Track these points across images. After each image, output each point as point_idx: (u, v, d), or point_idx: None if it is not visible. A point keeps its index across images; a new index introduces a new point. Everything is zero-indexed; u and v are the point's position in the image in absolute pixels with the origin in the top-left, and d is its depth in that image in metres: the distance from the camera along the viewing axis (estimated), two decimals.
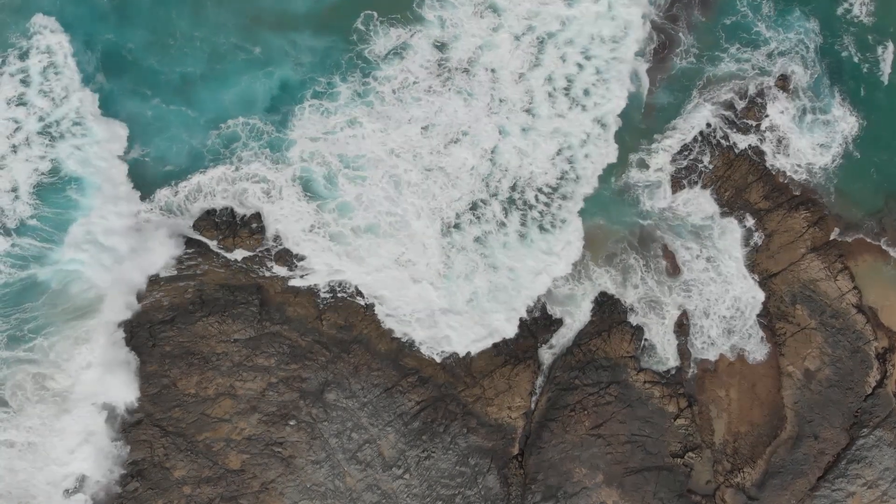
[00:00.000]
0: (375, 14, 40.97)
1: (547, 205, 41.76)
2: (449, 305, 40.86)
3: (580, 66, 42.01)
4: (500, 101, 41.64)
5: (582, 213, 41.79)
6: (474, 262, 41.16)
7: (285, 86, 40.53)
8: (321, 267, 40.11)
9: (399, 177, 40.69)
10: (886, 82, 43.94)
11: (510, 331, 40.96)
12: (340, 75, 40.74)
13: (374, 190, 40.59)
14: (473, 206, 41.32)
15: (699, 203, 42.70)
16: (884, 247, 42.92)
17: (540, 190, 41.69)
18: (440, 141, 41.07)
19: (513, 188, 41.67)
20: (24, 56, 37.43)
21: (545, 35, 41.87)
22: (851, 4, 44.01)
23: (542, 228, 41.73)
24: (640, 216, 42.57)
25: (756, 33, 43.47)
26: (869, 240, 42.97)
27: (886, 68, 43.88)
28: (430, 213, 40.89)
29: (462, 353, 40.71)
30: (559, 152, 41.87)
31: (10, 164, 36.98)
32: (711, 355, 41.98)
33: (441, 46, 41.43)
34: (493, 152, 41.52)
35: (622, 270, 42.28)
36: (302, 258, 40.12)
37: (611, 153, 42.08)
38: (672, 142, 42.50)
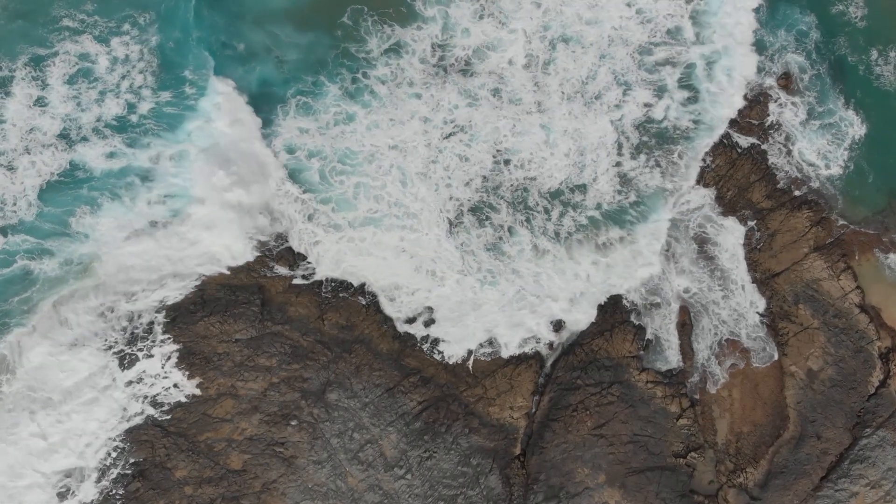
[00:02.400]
0: (365, 8, 40.69)
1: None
2: (461, 307, 40.88)
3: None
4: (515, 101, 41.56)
5: (583, 210, 41.78)
6: (496, 269, 41.18)
7: (269, 83, 40.51)
8: (322, 262, 40.08)
9: (404, 170, 40.66)
10: (886, 82, 43.92)
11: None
12: (327, 74, 40.64)
13: (375, 184, 40.60)
14: (479, 212, 41.39)
15: (701, 202, 42.59)
16: (887, 246, 42.81)
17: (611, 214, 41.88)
18: (440, 138, 41.14)
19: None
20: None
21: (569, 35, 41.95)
22: (847, 6, 44.07)
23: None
24: (643, 216, 42.45)
25: (756, 32, 43.53)
26: (872, 239, 42.88)
27: (884, 69, 43.88)
28: (438, 212, 40.86)
29: (463, 355, 40.71)
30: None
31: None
32: (718, 381, 41.92)
33: (442, 44, 41.34)
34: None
35: (624, 269, 42.14)
36: (304, 258, 40.17)
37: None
38: (672, 140, 42.50)
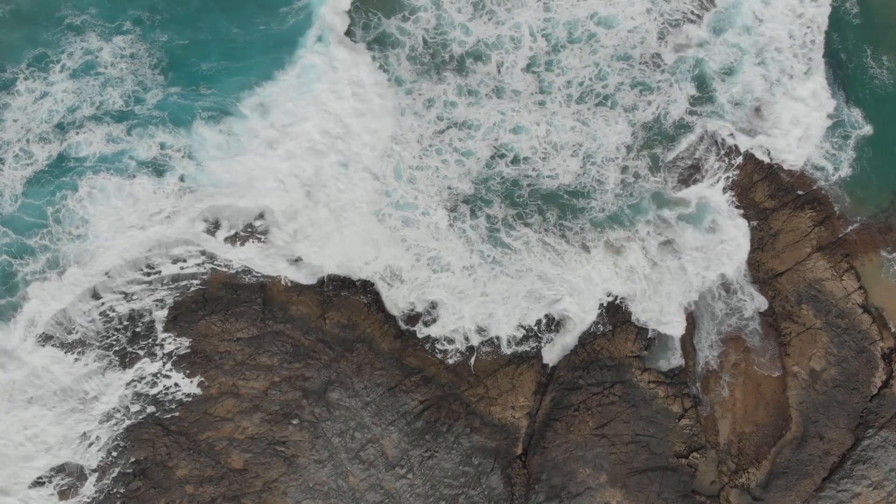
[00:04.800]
0: None
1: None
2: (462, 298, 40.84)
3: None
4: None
5: (588, 213, 41.75)
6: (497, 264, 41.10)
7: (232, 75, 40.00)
8: (317, 252, 40.04)
9: (401, 157, 40.53)
10: (881, 83, 43.82)
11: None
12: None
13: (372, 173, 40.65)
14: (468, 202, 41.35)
15: (704, 202, 42.50)
16: (890, 246, 42.72)
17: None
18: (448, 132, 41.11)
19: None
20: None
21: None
22: (842, 1, 43.96)
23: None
24: (647, 216, 42.36)
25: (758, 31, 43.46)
26: (875, 239, 42.77)
27: (879, 70, 43.80)
28: (435, 203, 40.74)
29: (464, 351, 40.65)
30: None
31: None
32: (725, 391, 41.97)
33: (433, 41, 41.01)
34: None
35: (627, 269, 42.03)
36: (301, 258, 40.15)
37: None
38: (678, 141, 42.44)
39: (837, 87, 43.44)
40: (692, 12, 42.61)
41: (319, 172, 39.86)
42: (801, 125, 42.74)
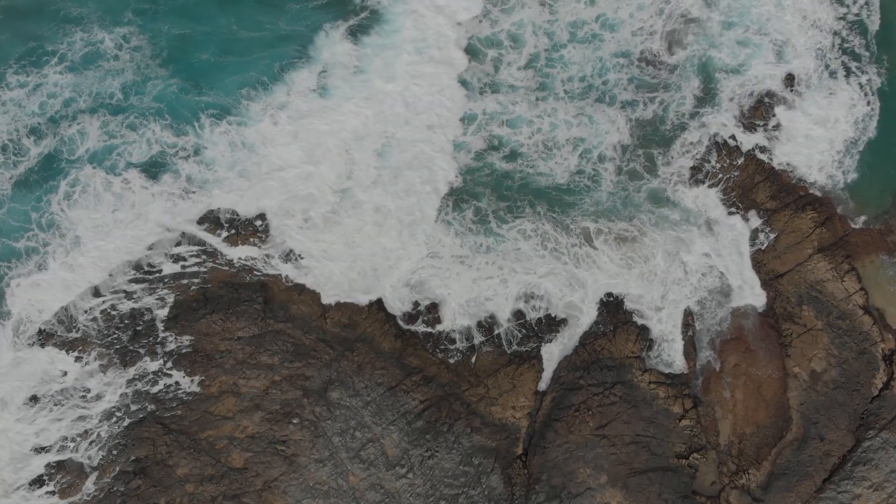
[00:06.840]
0: None
1: None
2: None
3: None
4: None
5: (584, 210, 41.71)
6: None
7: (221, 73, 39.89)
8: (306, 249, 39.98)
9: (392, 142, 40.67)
10: (878, 83, 43.75)
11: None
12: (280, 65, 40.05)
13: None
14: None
15: (705, 202, 42.44)
16: (892, 247, 42.68)
17: None
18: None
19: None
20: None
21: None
22: (849, 6, 43.84)
23: None
24: (646, 215, 42.33)
25: (760, 31, 43.36)
26: (876, 240, 42.73)
27: (876, 69, 43.74)
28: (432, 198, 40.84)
29: (464, 350, 40.64)
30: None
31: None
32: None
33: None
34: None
35: (627, 269, 42.01)
36: (301, 256, 40.02)
37: None
38: (679, 141, 42.38)
39: (844, 88, 43.32)
40: (700, 10, 42.57)
41: (320, 171, 39.80)
42: (822, 138, 42.83)
